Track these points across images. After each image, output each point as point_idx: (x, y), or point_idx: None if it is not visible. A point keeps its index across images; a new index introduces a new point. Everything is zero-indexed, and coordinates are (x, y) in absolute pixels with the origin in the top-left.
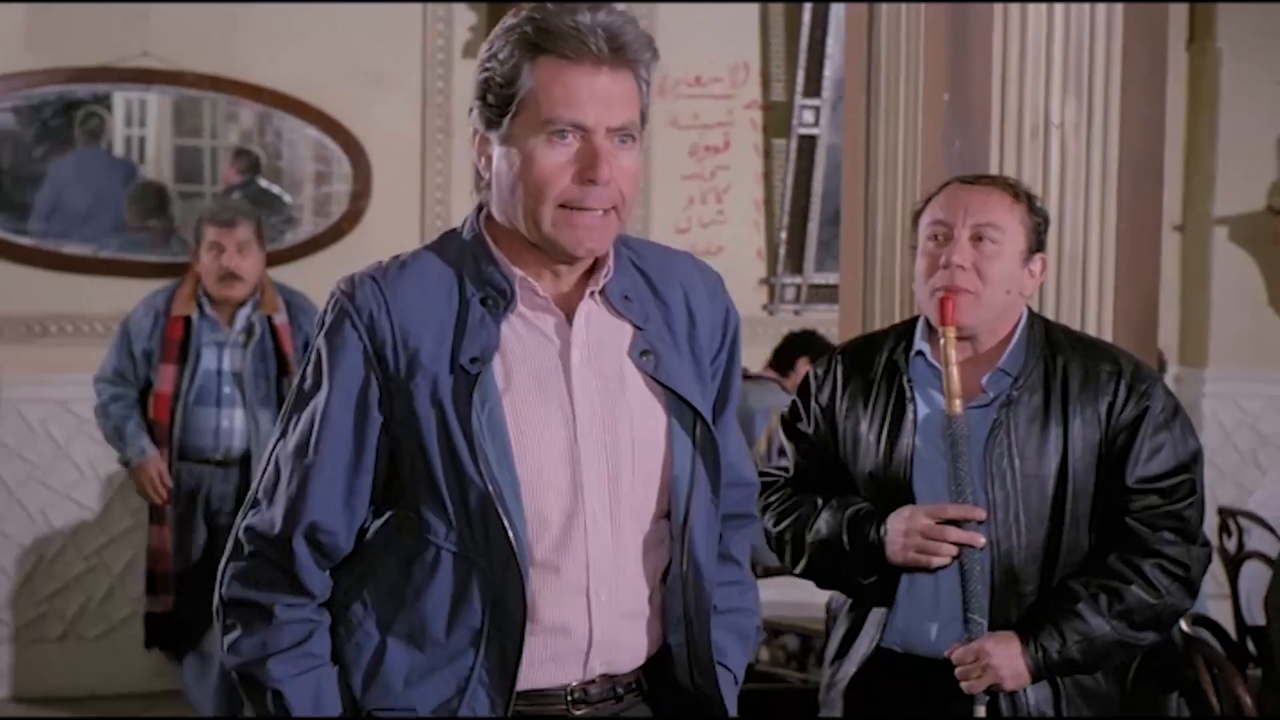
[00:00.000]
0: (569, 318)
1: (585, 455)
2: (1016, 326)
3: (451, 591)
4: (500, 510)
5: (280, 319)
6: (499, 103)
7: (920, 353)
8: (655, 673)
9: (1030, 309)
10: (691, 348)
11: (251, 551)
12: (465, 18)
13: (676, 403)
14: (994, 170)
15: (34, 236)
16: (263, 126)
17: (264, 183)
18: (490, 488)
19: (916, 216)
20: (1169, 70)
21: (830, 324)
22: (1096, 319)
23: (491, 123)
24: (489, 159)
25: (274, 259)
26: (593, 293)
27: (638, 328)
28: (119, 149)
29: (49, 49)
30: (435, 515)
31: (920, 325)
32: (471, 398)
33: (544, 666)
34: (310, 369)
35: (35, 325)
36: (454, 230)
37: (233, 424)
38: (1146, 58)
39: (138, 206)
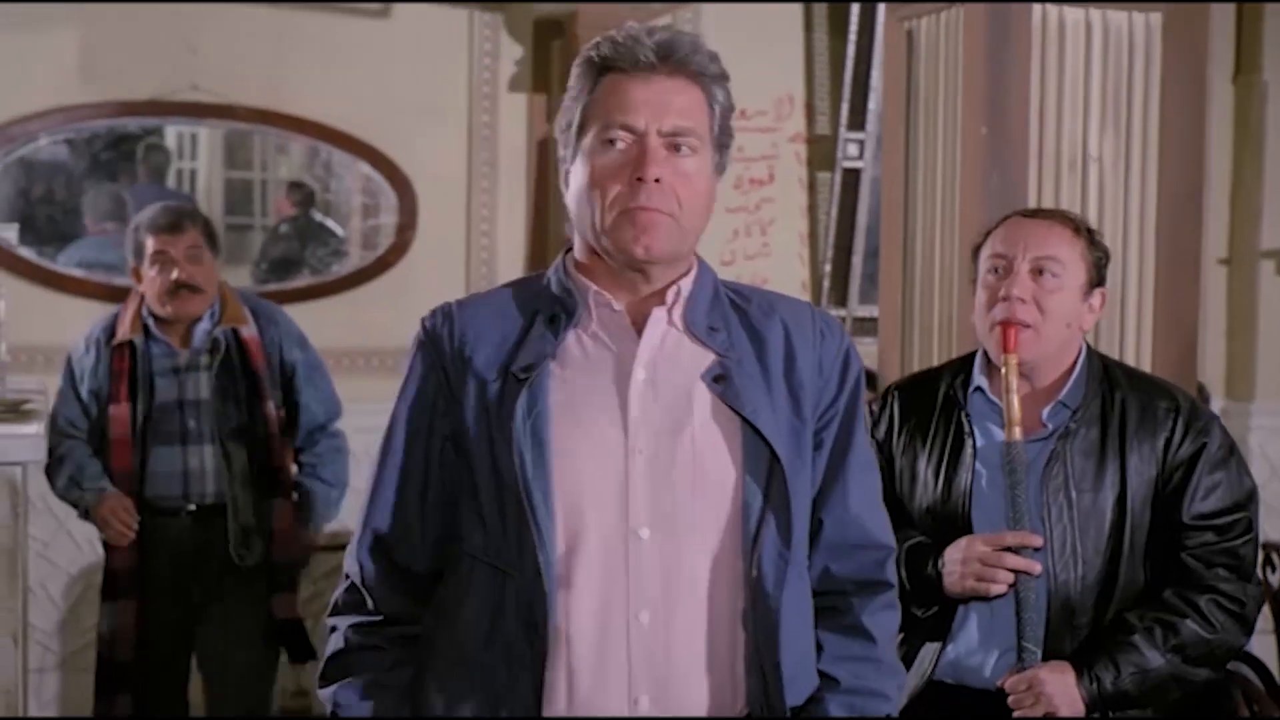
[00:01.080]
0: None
1: (635, 473)
2: (1076, 361)
3: (488, 605)
4: (531, 518)
5: (248, 331)
6: (570, 126)
7: (979, 388)
8: None
9: (1088, 344)
10: (788, 385)
11: (345, 574)
12: (511, 51)
13: (750, 434)
14: (1032, 203)
15: (82, 268)
16: (311, 160)
17: (318, 216)
18: (523, 493)
19: (976, 250)
20: (1215, 104)
21: (873, 357)
22: (1135, 352)
23: (568, 148)
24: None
25: (321, 291)
26: (667, 312)
27: (719, 355)
28: (170, 182)
29: (99, 83)
30: (474, 526)
31: (978, 359)
32: (517, 402)
33: (580, 690)
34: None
35: None
36: (541, 271)
37: (203, 464)
38: (1186, 91)
39: (94, 210)
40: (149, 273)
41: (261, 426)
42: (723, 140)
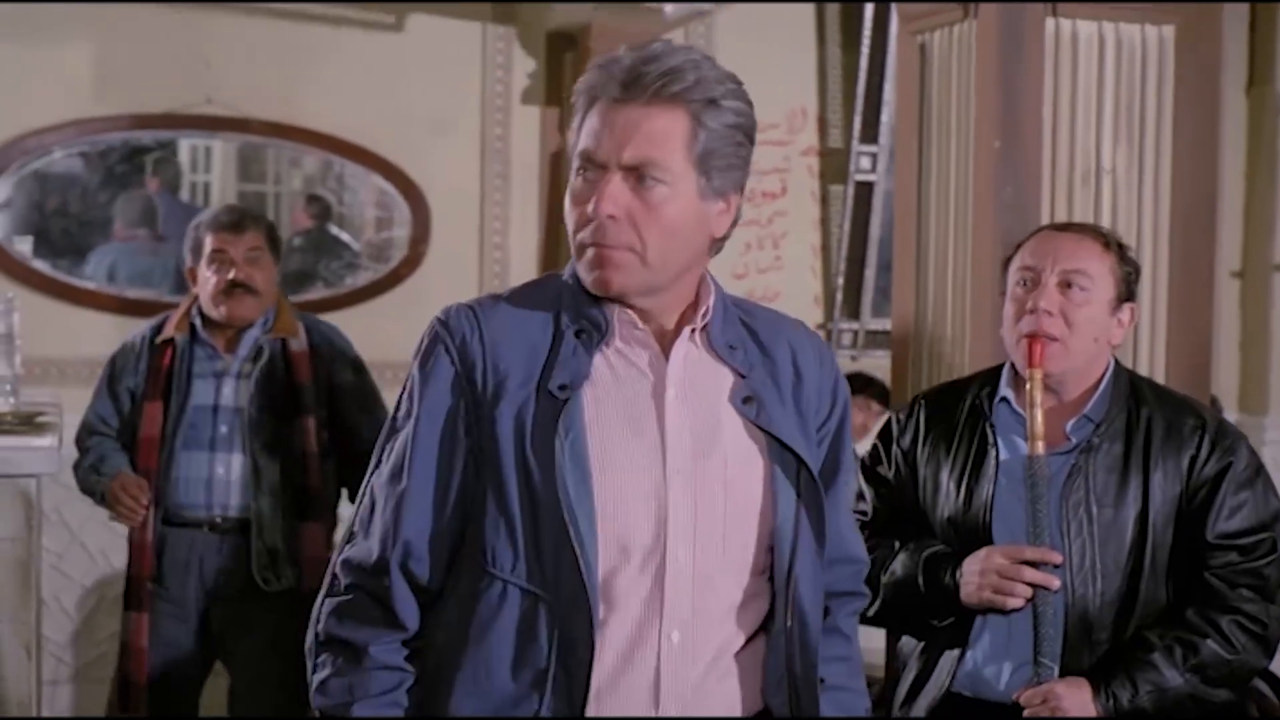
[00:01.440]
0: (666, 356)
1: (673, 492)
2: (1103, 375)
3: (516, 630)
4: (574, 540)
5: (297, 345)
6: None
7: (1004, 399)
8: None
9: (1116, 359)
10: (797, 404)
11: (349, 585)
12: (524, 64)
13: (780, 451)
14: (1045, 216)
15: (96, 280)
16: (325, 173)
17: (334, 229)
18: (566, 515)
19: (1006, 262)
20: (1228, 116)
21: (886, 370)
22: (1149, 365)
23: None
24: None
25: (334, 303)
26: (692, 331)
27: (740, 375)
28: (184, 194)
29: (114, 96)
30: (503, 546)
31: (1005, 371)
32: (556, 423)
33: (610, 710)
34: (404, 396)
35: (98, 369)
36: (556, 272)
37: (229, 474)
38: (1199, 103)
39: (126, 215)
40: (205, 272)
41: (299, 442)
42: (717, 164)
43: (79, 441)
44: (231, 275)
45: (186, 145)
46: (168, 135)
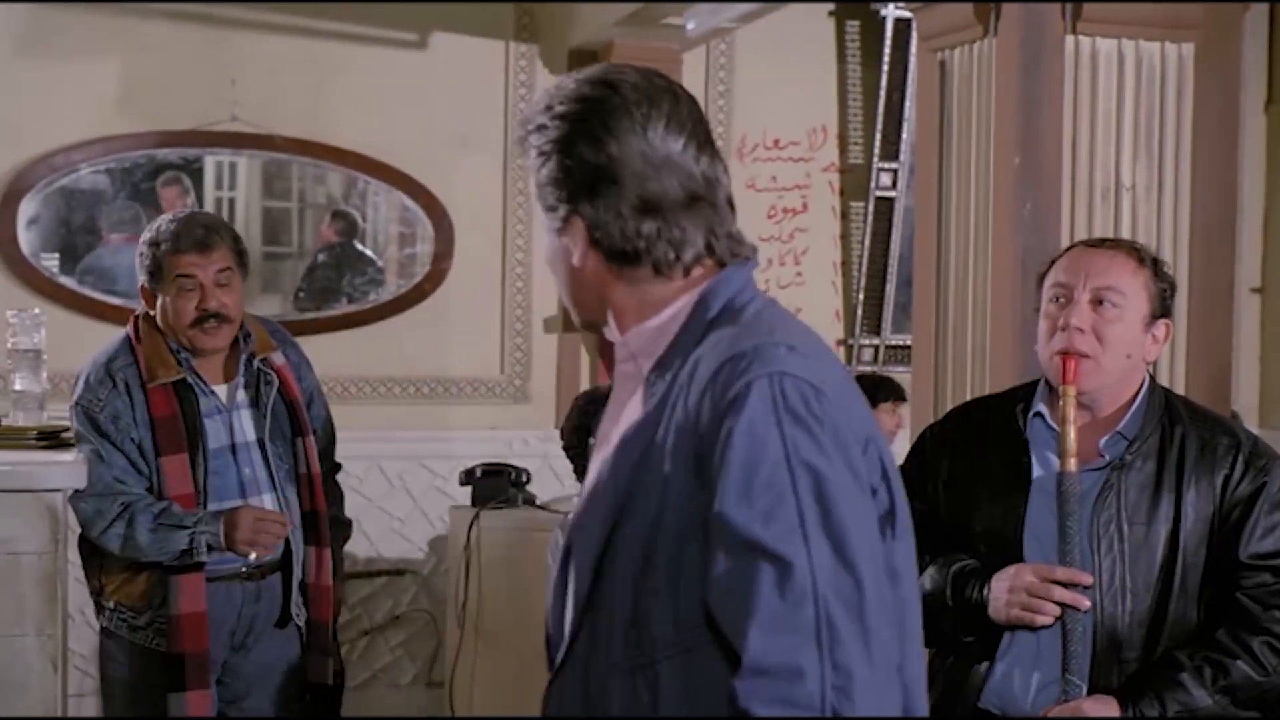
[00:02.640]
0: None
1: None
2: (1138, 392)
3: None
4: None
5: (279, 359)
6: None
7: (1039, 414)
8: None
9: (1152, 376)
10: None
11: None
12: (547, 82)
13: None
14: (1065, 232)
15: (121, 296)
16: (349, 189)
17: (359, 245)
18: None
19: (1041, 278)
20: (1248, 132)
21: (907, 384)
22: (1169, 380)
23: None
24: None
25: (358, 319)
26: None
27: None
28: (209, 210)
29: (140, 113)
30: None
31: (1040, 386)
32: None
33: None
34: None
35: None
36: None
37: None
38: (1218, 120)
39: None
40: (173, 299)
41: (303, 464)
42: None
43: (95, 511)
44: (205, 305)
45: (212, 162)
46: (193, 152)
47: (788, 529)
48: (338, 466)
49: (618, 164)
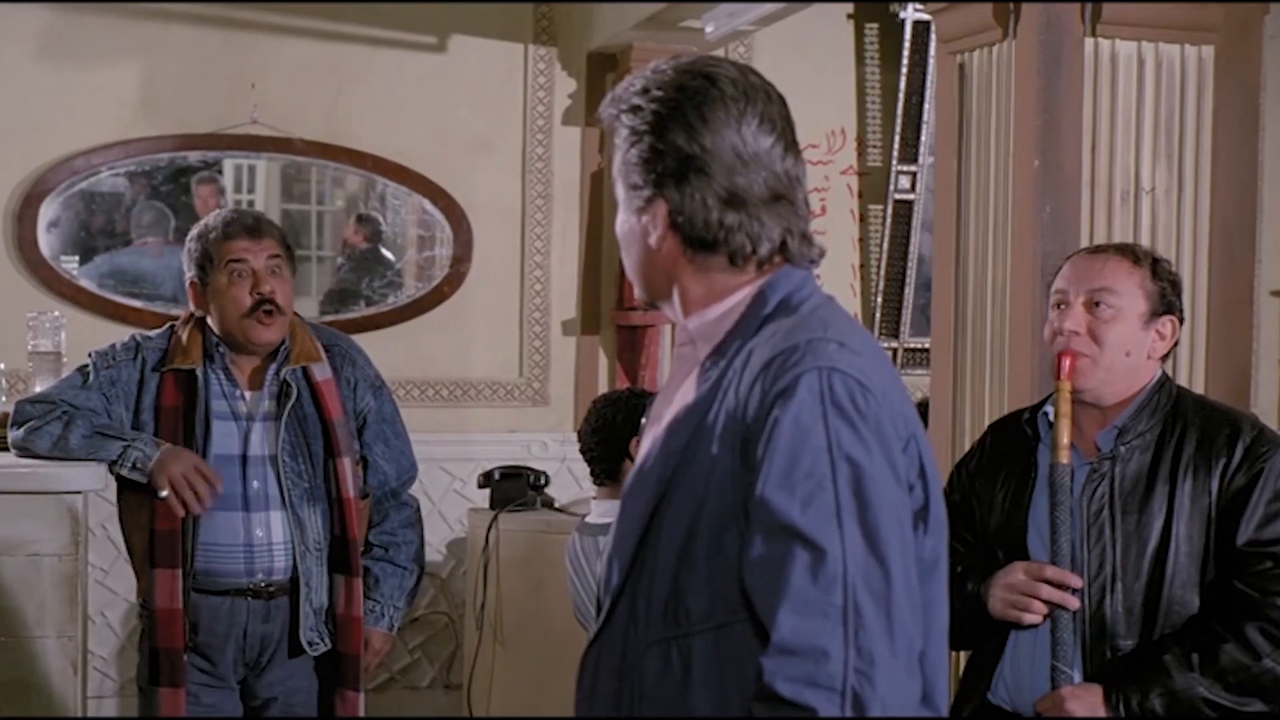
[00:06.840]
0: None
1: None
2: (1144, 389)
3: None
4: None
5: (322, 374)
6: None
7: (1046, 414)
8: None
9: (1167, 375)
10: None
11: None
12: (565, 85)
13: None
14: (1084, 235)
15: (143, 299)
16: (368, 192)
17: (383, 249)
18: None
19: (1048, 287)
20: (1269, 134)
21: (926, 388)
22: (1188, 382)
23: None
24: None
25: (377, 322)
26: None
27: None
28: None
29: (160, 116)
30: None
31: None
32: None
33: None
34: None
35: None
36: None
37: (269, 535)
38: (1238, 122)
39: (139, 222)
40: (223, 288)
41: (334, 487)
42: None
43: (33, 413)
44: (260, 289)
45: (231, 165)
46: (214, 155)
47: (824, 517)
48: (406, 505)
49: (710, 155)
